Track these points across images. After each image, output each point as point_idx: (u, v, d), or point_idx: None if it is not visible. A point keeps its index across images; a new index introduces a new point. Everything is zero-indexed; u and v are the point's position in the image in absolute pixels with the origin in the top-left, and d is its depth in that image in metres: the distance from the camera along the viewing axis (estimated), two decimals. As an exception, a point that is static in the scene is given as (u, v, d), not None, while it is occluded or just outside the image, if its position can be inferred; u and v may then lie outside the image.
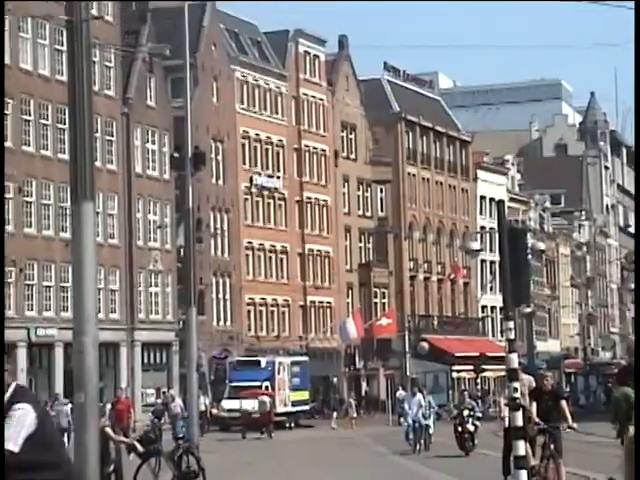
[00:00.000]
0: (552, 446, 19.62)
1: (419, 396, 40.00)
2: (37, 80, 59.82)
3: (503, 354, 30.63)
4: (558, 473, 19.79)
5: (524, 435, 17.49)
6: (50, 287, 59.41)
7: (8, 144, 55.68)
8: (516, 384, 17.34)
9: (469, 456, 34.23)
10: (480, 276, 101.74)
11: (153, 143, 68.85)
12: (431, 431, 39.19)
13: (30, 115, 59.06)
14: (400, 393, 61.27)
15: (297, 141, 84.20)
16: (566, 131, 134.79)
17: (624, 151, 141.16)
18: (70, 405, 35.58)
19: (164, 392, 54.57)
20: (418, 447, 37.66)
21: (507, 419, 20.59)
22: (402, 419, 44.31)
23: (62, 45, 51.90)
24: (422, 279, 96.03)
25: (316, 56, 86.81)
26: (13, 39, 57.53)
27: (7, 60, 55.84)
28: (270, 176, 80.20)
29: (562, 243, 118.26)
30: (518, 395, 17.38)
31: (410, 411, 38.69)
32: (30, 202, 58.75)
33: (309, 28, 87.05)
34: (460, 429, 35.68)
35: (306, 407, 68.33)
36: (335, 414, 66.18)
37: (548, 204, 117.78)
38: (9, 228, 56.32)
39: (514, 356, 17.91)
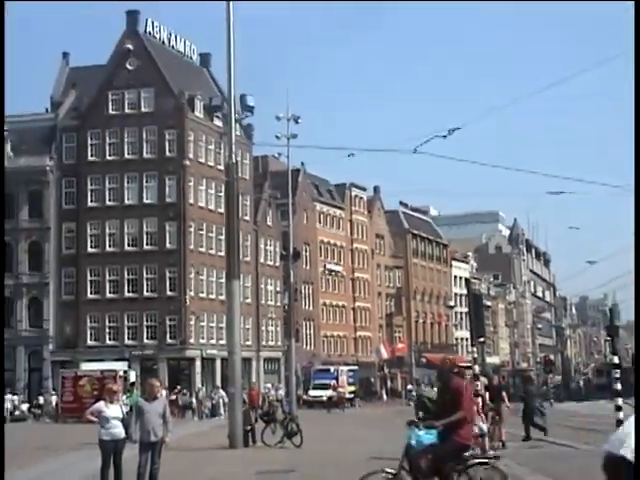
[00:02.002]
0: (497, 417, 30.72)
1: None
2: (207, 212, 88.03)
3: (469, 364, 37.94)
4: (500, 432, 30.71)
5: (483, 409, 27.96)
6: (213, 327, 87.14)
7: (191, 247, 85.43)
8: (478, 382, 28.37)
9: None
10: (454, 320, 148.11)
11: (270, 246, 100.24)
12: None
13: (203, 231, 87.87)
14: (409, 387, 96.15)
15: (350, 244, 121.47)
16: (501, 239, 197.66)
17: (533, 251, 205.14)
18: (224, 393, 56.84)
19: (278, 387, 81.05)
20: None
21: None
22: (412, 402, 60.37)
23: (221, 192, 78.24)
24: (421, 322, 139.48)
25: (361, 197, 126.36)
26: (195, 189, 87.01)
27: (191, 200, 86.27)
28: (336, 264, 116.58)
29: (500, 302, 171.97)
30: (479, 388, 28.02)
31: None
32: (202, 279, 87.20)
33: (357, 181, 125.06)
34: None
35: (357, 395, 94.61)
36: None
37: (492, 280, 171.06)
38: (191, 294, 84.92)
39: (476, 367, 30.19)
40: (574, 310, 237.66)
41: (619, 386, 36.35)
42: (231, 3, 35.41)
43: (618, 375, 38.34)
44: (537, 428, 34.40)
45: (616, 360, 37.92)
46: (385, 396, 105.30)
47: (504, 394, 32.55)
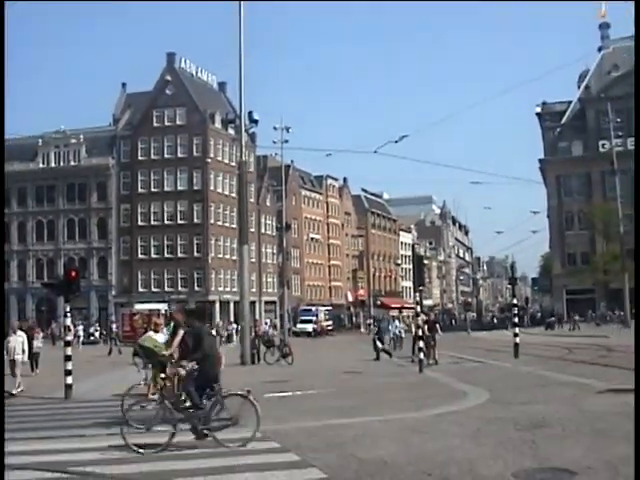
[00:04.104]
0: (432, 342, 30.06)
1: (397, 322, 49.40)
2: (223, 196, 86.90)
3: (412, 305, 37.70)
4: (434, 352, 30.04)
5: (422, 338, 27.52)
6: (228, 278, 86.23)
7: (212, 221, 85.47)
8: (419, 318, 28.74)
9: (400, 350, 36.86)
10: (401, 274, 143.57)
11: (269, 220, 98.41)
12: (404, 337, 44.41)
13: (220, 210, 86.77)
14: (369, 321, 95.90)
15: (326, 219, 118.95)
16: (434, 216, 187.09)
17: (457, 224, 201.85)
18: (236, 326, 58.09)
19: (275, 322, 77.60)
20: (396, 347, 41.12)
21: (414, 332, 30.93)
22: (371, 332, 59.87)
23: (234, 182, 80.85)
24: (378, 275, 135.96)
25: (334, 185, 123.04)
26: (215, 180, 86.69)
27: (212, 187, 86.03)
28: (316, 234, 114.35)
29: (433, 260, 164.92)
30: (420, 322, 28.34)
31: (391, 328, 44.75)
32: (220, 244, 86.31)
33: (332, 173, 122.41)
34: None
35: (331, 327, 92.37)
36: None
37: (427, 245, 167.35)
38: (212, 255, 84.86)
39: (418, 307, 30.20)
40: (485, 266, 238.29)
41: (516, 319, 36.96)
42: (242, 47, 35.60)
43: (516, 312, 38.97)
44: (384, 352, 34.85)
45: (515, 301, 38.46)
46: (352, 328, 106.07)
47: (437, 326, 32.90)
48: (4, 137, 64.57)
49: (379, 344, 35.08)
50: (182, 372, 12.30)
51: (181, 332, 13.63)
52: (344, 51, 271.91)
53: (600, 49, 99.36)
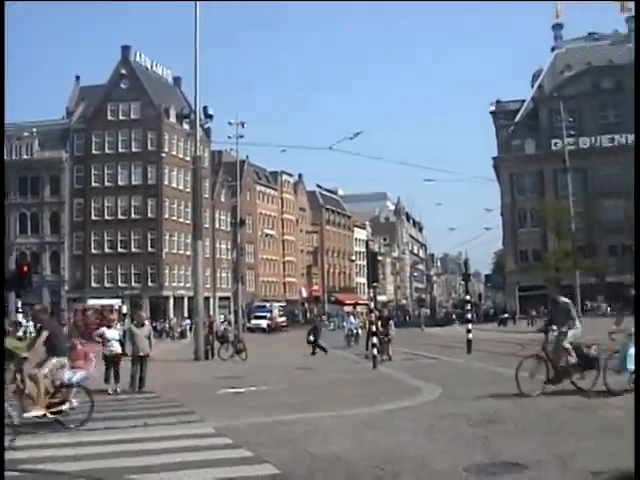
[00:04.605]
0: (386, 338, 30.23)
1: (352, 318, 50.67)
2: (178, 191, 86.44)
3: (366, 301, 38.39)
4: (388, 348, 29.97)
5: (376, 334, 27.69)
6: (182, 274, 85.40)
7: (166, 216, 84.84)
8: (372, 314, 28.79)
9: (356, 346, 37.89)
10: (355, 270, 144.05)
11: (223, 216, 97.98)
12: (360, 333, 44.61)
13: (174, 205, 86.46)
14: (323, 317, 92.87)
15: (281, 215, 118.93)
16: (389, 213, 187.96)
17: (411, 221, 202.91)
18: (189, 322, 60.80)
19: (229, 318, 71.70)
20: (352, 343, 42.40)
21: (368, 328, 31.75)
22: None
23: (188, 177, 77.87)
24: (332, 271, 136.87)
25: (289, 181, 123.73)
26: (169, 174, 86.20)
27: (166, 182, 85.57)
28: (271, 229, 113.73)
29: (387, 257, 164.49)
30: (373, 318, 28.53)
31: (347, 324, 47.37)
32: (174, 239, 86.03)
33: (287, 169, 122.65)
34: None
35: (285, 323, 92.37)
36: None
37: (382, 241, 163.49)
38: (166, 250, 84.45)
39: (372, 303, 30.30)
40: (439, 263, 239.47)
41: (469, 315, 37.14)
42: (198, 42, 35.46)
43: (469, 308, 39.19)
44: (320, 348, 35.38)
45: (468, 298, 38.69)
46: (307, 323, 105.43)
47: (391, 322, 33.03)
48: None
49: (311, 338, 35.81)
50: (41, 372, 12.70)
51: (45, 333, 13.62)
52: (300, 48, 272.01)
53: (553, 49, 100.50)
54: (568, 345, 15.09)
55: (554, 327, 15.74)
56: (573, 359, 15.01)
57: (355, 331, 44.78)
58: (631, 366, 14.13)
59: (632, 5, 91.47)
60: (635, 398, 12.38)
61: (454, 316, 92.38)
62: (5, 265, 62.25)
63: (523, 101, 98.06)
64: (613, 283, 71.91)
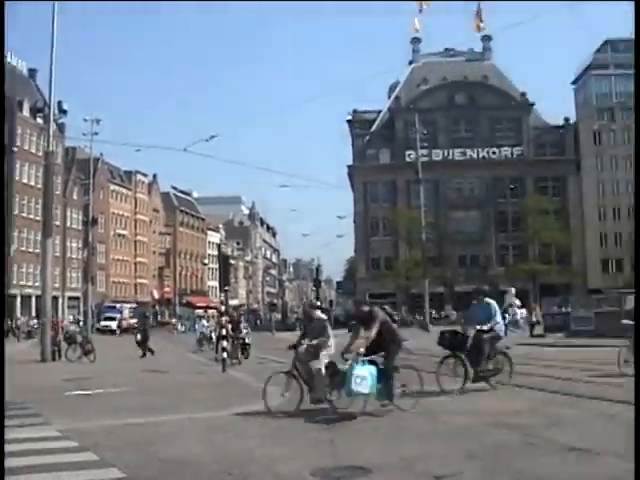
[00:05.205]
0: (235, 341, 29.86)
1: (204, 321, 51.31)
2: (29, 187, 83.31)
3: (218, 305, 38.00)
4: (237, 351, 29.88)
5: (226, 337, 27.40)
6: (31, 272, 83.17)
7: (16, 212, 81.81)
8: (223, 318, 29.39)
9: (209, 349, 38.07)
10: (207, 273, 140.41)
11: (75, 214, 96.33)
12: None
13: (25, 201, 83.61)
14: (174, 320, 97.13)
15: (134, 215, 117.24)
16: (243, 217, 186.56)
17: (265, 225, 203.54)
18: (37, 321, 55.42)
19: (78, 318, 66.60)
20: (204, 347, 42.33)
21: (218, 332, 31.86)
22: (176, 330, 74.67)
23: (40, 173, 72.51)
24: (184, 274, 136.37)
25: (143, 181, 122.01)
26: (21, 170, 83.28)
27: (18, 177, 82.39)
28: (123, 229, 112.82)
29: (240, 261, 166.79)
30: (223, 322, 28.77)
31: (199, 327, 47.98)
32: (24, 237, 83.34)
33: (141, 169, 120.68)
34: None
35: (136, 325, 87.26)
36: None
37: (235, 245, 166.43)
38: (14, 247, 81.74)
39: (223, 307, 31.39)
40: (291, 268, 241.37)
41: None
42: (55, 35, 34.64)
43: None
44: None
45: (318, 303, 39.36)
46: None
47: (242, 326, 32.96)
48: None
49: (139, 337, 36.48)
50: None
51: None
52: (159, 47, 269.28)
53: (411, 62, 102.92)
54: (323, 363, 14.29)
55: (303, 341, 14.74)
56: (325, 377, 14.14)
57: (208, 334, 44.63)
58: (361, 389, 13.19)
59: (486, 24, 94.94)
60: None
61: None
62: None
63: (379, 112, 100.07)
64: (461, 292, 74.03)
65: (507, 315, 51.36)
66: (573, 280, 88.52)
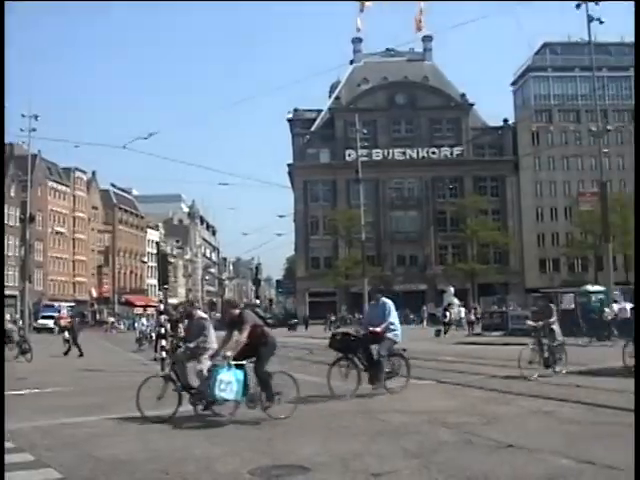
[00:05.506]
0: (175, 341, 25.83)
1: (144, 320, 50.19)
2: None
3: (156, 304, 38.20)
4: None
5: (165, 336, 26.17)
6: None
7: None
8: (162, 317, 28.91)
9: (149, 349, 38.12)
10: (146, 271, 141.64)
11: (12, 211, 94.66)
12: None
13: None
14: (112, 320, 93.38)
15: (73, 213, 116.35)
16: (182, 215, 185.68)
17: (205, 224, 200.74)
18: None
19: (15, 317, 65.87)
20: (143, 346, 41.38)
21: (157, 330, 31.37)
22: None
23: None
24: (123, 272, 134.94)
25: (82, 178, 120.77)
26: None
27: None
28: (61, 227, 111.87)
29: (179, 259, 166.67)
30: (162, 321, 28.57)
31: (138, 326, 46.02)
32: None
33: (80, 166, 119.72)
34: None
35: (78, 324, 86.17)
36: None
37: (175, 243, 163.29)
38: None
39: (162, 305, 31.11)
40: (231, 267, 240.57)
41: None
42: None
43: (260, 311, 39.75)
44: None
45: (258, 302, 39.32)
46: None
47: (180, 325, 32.78)
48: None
49: (67, 335, 36.84)
50: None
51: None
52: (96, 45, 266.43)
53: (352, 62, 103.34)
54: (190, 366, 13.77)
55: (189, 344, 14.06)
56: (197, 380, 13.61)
57: (147, 333, 44.24)
58: (224, 395, 12.71)
59: (426, 25, 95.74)
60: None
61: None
62: None
63: (320, 111, 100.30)
64: (401, 292, 74.48)
65: (448, 313, 52.04)
66: (511, 279, 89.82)
